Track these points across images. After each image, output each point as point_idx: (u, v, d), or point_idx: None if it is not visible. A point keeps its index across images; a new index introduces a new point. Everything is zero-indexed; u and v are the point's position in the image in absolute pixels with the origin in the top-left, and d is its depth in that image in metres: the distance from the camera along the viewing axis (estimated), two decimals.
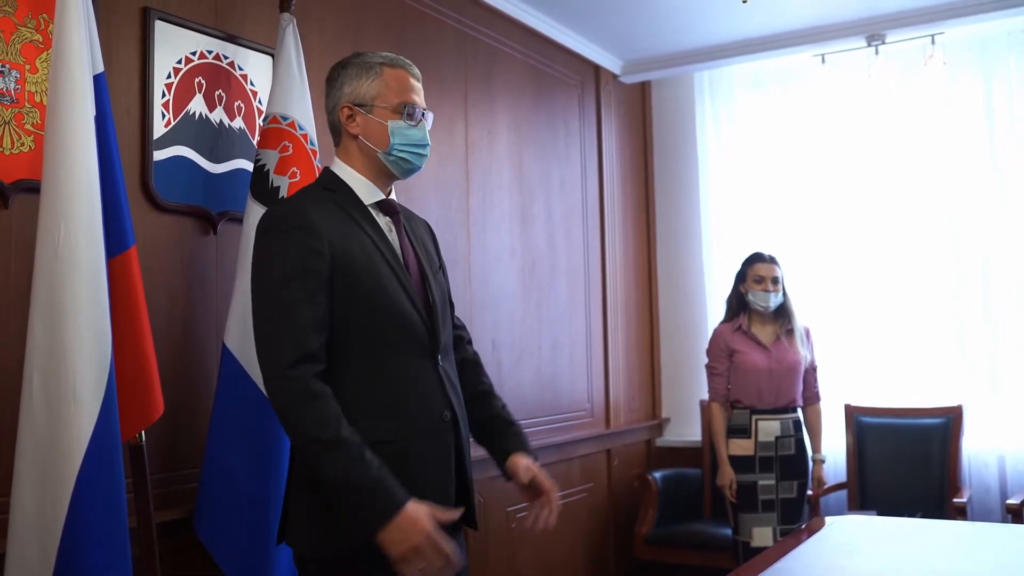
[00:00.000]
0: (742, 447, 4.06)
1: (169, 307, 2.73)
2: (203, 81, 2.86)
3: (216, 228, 2.87)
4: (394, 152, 2.07)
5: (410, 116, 2.07)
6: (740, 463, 4.05)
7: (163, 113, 2.74)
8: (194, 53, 2.84)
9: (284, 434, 2.64)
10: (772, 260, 4.15)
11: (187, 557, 2.68)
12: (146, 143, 2.69)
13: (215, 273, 2.88)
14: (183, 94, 2.80)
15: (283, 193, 2.76)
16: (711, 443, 4.32)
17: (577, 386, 4.77)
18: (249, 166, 2.92)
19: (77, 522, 2.03)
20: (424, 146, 2.10)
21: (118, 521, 2.12)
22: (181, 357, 2.76)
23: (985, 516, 4.59)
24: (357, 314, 1.95)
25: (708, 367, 4.24)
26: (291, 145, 2.81)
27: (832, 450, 4.82)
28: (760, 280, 4.12)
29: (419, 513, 1.82)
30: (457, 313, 2.30)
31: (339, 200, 2.04)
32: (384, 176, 2.11)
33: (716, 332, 4.27)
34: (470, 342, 2.33)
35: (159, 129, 2.73)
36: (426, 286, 2.08)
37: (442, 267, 2.23)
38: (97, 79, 2.27)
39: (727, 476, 4.06)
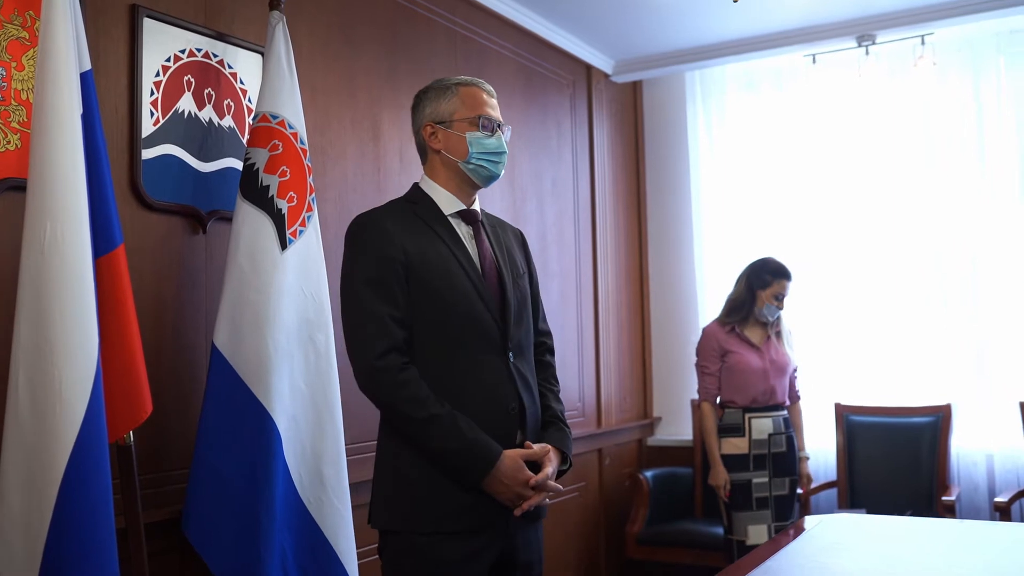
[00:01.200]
0: (736, 446, 4.06)
1: (157, 307, 2.72)
2: (192, 79, 2.85)
3: (205, 227, 2.86)
4: (473, 160, 2.26)
5: (485, 127, 2.27)
6: (734, 462, 4.05)
7: (152, 111, 2.73)
8: (183, 51, 2.83)
9: (274, 433, 2.64)
10: (792, 278, 4.17)
11: (176, 558, 2.67)
12: (134, 141, 2.68)
13: (204, 273, 2.86)
14: (172, 92, 2.78)
15: (273, 192, 2.74)
16: (703, 443, 4.32)
17: (568, 386, 4.77)
18: (239, 165, 2.90)
19: (63, 523, 2.01)
20: (501, 154, 2.29)
21: (105, 522, 2.10)
22: (170, 357, 2.75)
23: (974, 514, 4.61)
24: (430, 314, 2.17)
25: (699, 366, 4.22)
26: (281, 144, 2.79)
27: (822, 448, 4.85)
28: (780, 297, 4.12)
29: (513, 464, 2.13)
30: None
31: (420, 211, 2.27)
32: (466, 186, 2.31)
33: (707, 332, 4.24)
34: (551, 351, 2.50)
35: (148, 127, 2.71)
36: (503, 289, 2.26)
37: (531, 273, 2.44)
38: (84, 77, 2.25)
39: (721, 476, 4.05)
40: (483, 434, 2.13)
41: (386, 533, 2.22)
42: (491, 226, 2.39)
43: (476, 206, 2.35)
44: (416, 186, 2.34)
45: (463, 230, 2.29)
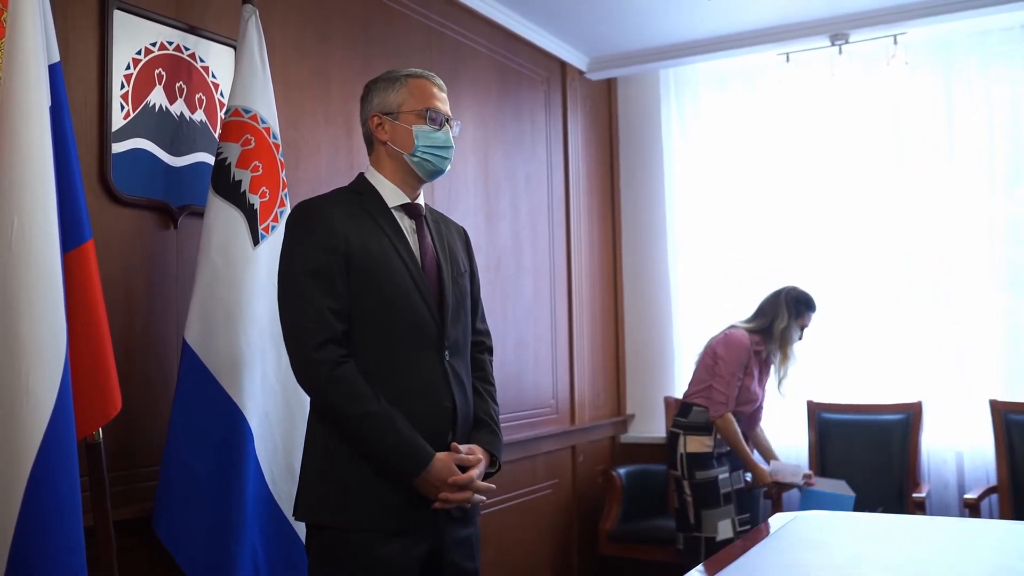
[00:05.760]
0: (703, 444, 4.07)
1: (128, 302, 2.69)
2: (163, 73, 2.82)
3: (176, 222, 2.83)
4: (418, 153, 2.23)
5: (432, 120, 2.25)
6: (701, 460, 4.05)
7: (122, 105, 2.69)
8: (154, 44, 2.80)
9: (246, 430, 2.63)
10: None
11: (146, 556, 2.64)
12: (104, 135, 2.64)
13: (175, 268, 2.83)
14: (143, 86, 2.75)
15: (245, 187, 2.72)
16: (668, 441, 4.29)
17: (542, 383, 4.77)
18: (210, 159, 2.88)
19: (30, 521, 1.98)
20: (446, 148, 2.27)
21: (72, 520, 2.07)
22: (140, 353, 2.72)
23: (943, 511, 4.65)
24: (368, 307, 2.14)
25: (730, 374, 4.06)
26: (253, 138, 2.77)
27: (794, 446, 4.87)
28: (804, 329, 4.16)
29: (443, 467, 2.12)
30: None
31: (364, 203, 2.23)
32: (411, 179, 2.28)
33: (743, 342, 4.11)
34: (489, 351, 2.49)
35: (118, 121, 2.68)
36: (442, 286, 2.24)
37: (472, 272, 2.40)
38: (53, 69, 2.22)
39: (767, 477, 4.12)
40: (416, 435, 2.11)
41: (313, 527, 2.19)
42: (435, 222, 2.36)
43: (420, 200, 2.32)
44: (361, 176, 2.31)
45: (406, 224, 2.26)
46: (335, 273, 2.12)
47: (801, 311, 4.17)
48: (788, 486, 4.26)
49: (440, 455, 2.13)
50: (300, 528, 2.74)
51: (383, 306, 2.15)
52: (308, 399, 2.76)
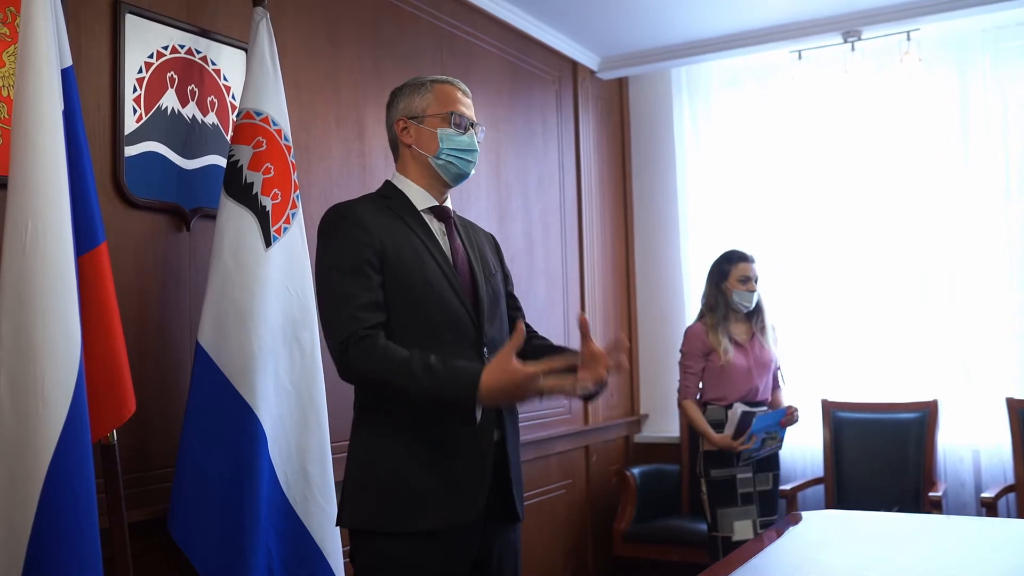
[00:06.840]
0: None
1: (141, 305, 2.70)
2: (175, 76, 2.83)
3: (189, 225, 2.84)
4: (442, 156, 2.25)
5: (457, 124, 2.26)
6: (718, 458, 4.02)
7: (134, 108, 2.70)
8: (166, 47, 2.81)
9: (259, 432, 2.63)
10: (752, 259, 4.14)
11: (161, 558, 2.65)
12: (117, 138, 2.66)
13: (188, 270, 2.84)
14: (155, 89, 2.76)
15: (257, 189, 2.73)
16: (688, 439, 4.29)
17: None
18: (222, 162, 2.88)
19: (46, 523, 2.00)
20: (471, 152, 2.28)
21: (88, 522, 2.08)
22: (154, 356, 2.73)
23: (960, 510, 4.62)
24: (405, 307, 2.13)
25: (683, 365, 4.17)
26: (265, 140, 2.78)
27: (809, 445, 4.86)
28: (746, 280, 4.08)
29: (497, 367, 1.98)
30: None
31: (393, 206, 2.24)
32: (437, 182, 2.29)
33: (692, 332, 4.18)
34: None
35: (130, 124, 2.69)
36: (475, 285, 2.24)
37: (506, 274, 2.46)
38: (65, 73, 2.24)
39: (726, 439, 3.94)
40: (458, 362, 2.03)
41: (356, 533, 2.16)
42: (463, 226, 2.37)
43: (448, 203, 2.33)
44: (388, 182, 2.32)
45: (435, 226, 2.27)
46: (369, 269, 2.10)
47: (723, 271, 4.13)
48: (749, 420, 3.98)
49: (492, 369, 1.98)
50: (314, 530, 2.75)
51: (419, 305, 2.14)
52: (321, 401, 2.80)
